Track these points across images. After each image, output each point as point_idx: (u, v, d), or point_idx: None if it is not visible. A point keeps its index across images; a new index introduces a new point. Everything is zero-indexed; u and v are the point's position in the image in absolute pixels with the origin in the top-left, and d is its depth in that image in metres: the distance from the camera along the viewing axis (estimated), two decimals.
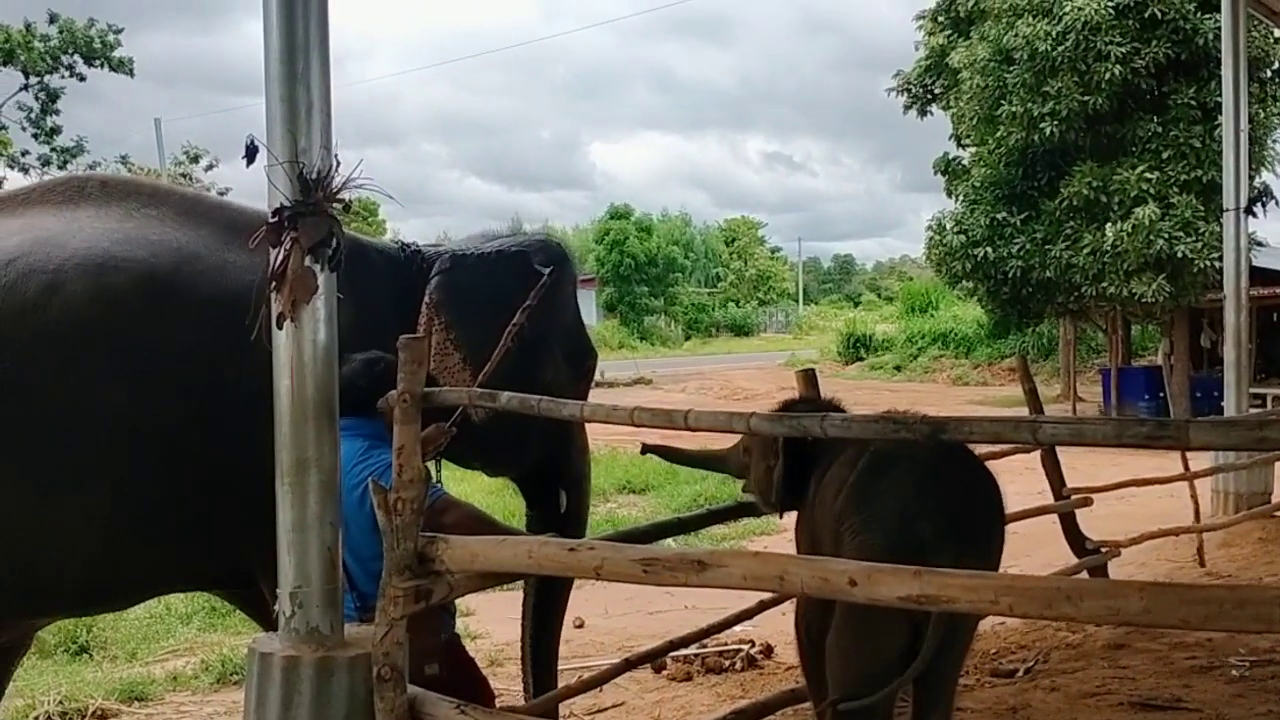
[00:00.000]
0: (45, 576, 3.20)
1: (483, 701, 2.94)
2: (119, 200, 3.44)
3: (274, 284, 2.53)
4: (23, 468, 3.09)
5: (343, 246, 2.61)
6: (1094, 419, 9.70)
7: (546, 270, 3.67)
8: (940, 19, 18.32)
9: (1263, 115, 14.29)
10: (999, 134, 15.82)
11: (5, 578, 3.14)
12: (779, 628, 4.95)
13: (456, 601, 3.12)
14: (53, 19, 20.90)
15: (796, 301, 55.70)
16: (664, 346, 40.30)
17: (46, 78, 21.15)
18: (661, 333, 42.32)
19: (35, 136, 21.37)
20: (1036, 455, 5.45)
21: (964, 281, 17.14)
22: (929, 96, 19.12)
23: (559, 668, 4.07)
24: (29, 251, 3.18)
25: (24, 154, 21.17)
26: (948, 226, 16.58)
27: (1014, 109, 15.26)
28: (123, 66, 21.63)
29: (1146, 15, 14.58)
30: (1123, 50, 14.46)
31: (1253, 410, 10.80)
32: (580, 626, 6.20)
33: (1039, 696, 4.24)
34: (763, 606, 4.29)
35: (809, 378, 3.83)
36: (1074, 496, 5.72)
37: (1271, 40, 14.62)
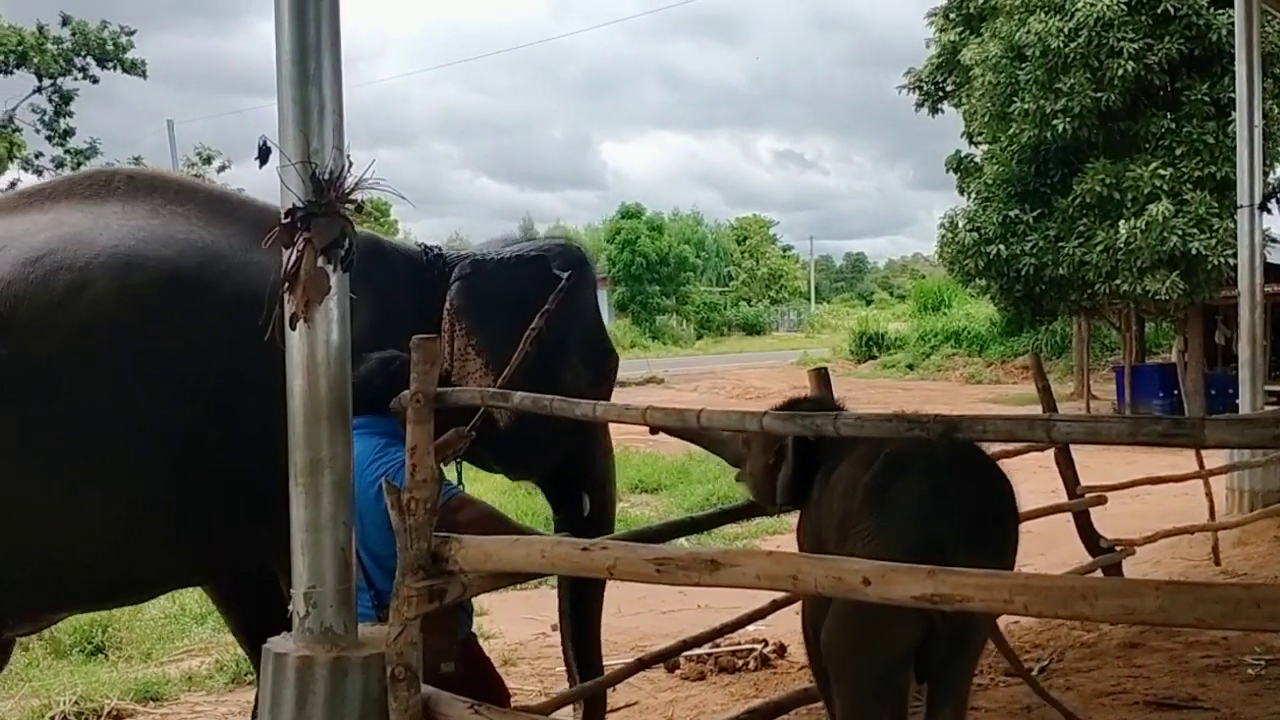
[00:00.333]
0: (68, 570, 3.23)
1: (498, 701, 2.95)
2: (145, 196, 3.46)
3: (287, 285, 2.54)
4: (48, 463, 3.12)
5: (355, 247, 2.61)
6: (1108, 417, 9.68)
7: (565, 274, 3.67)
8: (952, 16, 18.30)
9: (1276, 111, 14.15)
10: (1011, 131, 15.75)
11: (29, 571, 3.17)
12: (792, 627, 4.90)
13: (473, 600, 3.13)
14: (65, 21, 20.93)
15: (808, 300, 55.56)
16: (676, 346, 40.24)
17: (60, 80, 21.17)
18: (673, 332, 42.27)
19: (49, 139, 21.39)
20: (1050, 453, 5.42)
21: (976, 279, 17.12)
22: (941, 94, 19.11)
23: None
24: (56, 248, 3.21)
25: (38, 156, 21.19)
26: (960, 224, 16.54)
27: (1026, 106, 15.21)
28: (135, 68, 21.66)
29: (1159, 11, 14.54)
30: (1135, 46, 14.42)
31: (1268, 408, 10.73)
32: None
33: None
34: (776, 606, 4.28)
35: (821, 376, 3.81)
36: (1088, 495, 5.69)
37: None
